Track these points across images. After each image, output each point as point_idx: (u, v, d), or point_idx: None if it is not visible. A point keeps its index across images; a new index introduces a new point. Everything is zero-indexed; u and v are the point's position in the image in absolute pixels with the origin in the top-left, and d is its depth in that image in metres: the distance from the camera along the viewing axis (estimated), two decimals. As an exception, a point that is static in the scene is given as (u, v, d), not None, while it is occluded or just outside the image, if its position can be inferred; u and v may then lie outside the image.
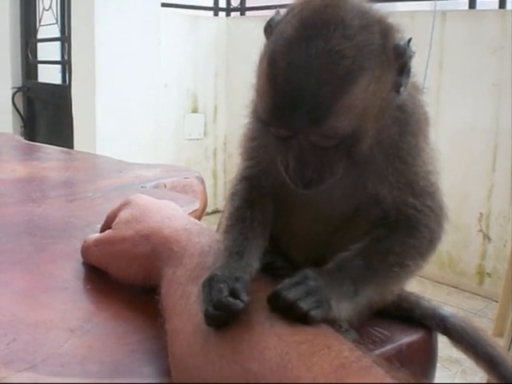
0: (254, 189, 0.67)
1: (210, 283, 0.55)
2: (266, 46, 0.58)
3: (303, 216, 0.66)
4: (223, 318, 0.53)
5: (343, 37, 0.53)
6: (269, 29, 0.59)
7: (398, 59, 0.57)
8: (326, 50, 0.52)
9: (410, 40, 0.58)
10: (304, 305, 0.53)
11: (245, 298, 0.53)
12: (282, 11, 0.60)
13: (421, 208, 0.62)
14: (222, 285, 0.54)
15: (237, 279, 0.55)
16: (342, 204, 0.64)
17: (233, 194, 0.68)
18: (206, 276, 0.57)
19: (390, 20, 0.58)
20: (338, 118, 0.53)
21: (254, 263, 0.61)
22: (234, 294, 0.53)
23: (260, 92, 0.57)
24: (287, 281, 0.55)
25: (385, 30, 0.56)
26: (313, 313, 0.53)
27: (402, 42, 0.57)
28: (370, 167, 0.61)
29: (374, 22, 0.56)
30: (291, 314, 0.53)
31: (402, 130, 0.60)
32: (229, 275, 0.56)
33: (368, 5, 0.57)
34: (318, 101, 0.52)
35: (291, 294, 0.53)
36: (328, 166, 0.56)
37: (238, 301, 0.53)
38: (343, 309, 0.57)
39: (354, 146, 0.56)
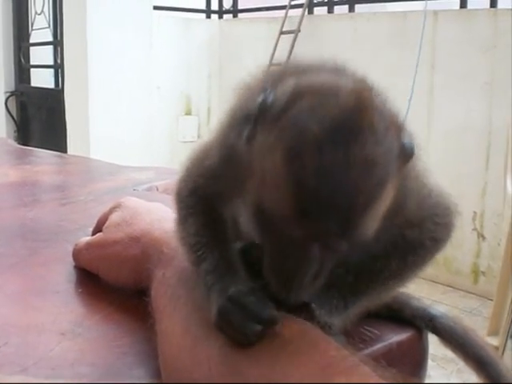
0: (211, 208, 0.63)
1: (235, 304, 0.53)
2: (279, 135, 0.51)
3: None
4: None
5: (375, 143, 0.50)
6: (264, 108, 0.52)
7: (408, 160, 0.55)
8: (362, 157, 0.49)
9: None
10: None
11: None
12: (271, 91, 0.53)
13: (421, 232, 0.62)
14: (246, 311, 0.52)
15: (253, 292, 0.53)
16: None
17: (186, 214, 0.64)
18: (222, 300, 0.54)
19: (399, 119, 0.55)
20: (368, 225, 0.51)
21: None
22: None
23: (276, 187, 0.51)
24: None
25: (398, 131, 0.54)
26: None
27: (411, 144, 0.54)
28: None
29: (391, 124, 0.53)
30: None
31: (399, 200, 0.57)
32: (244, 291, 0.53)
33: (379, 97, 0.54)
34: (353, 209, 0.50)
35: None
36: (324, 270, 0.54)
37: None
38: (334, 323, 0.57)
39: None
